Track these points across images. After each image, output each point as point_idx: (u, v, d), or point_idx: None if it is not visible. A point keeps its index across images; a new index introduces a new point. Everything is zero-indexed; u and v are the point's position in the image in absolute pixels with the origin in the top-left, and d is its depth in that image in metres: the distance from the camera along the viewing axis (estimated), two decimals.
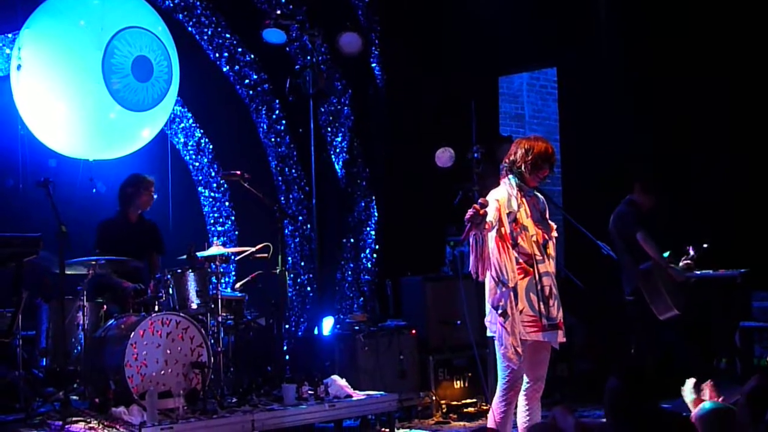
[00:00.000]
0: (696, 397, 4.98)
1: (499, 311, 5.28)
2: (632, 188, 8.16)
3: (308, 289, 9.53)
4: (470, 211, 5.15)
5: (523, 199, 5.47)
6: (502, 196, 5.43)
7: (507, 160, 5.56)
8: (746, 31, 9.13)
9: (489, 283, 5.37)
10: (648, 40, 9.77)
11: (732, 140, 9.29)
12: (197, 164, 9.06)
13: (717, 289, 9.02)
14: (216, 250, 7.36)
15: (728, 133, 9.29)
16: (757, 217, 9.26)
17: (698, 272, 8.39)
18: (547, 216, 5.62)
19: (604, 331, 9.25)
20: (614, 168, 9.44)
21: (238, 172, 7.77)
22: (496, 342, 5.34)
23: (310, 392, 7.34)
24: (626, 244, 7.91)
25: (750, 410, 4.31)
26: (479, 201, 5.25)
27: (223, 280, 7.52)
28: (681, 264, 7.94)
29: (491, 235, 5.33)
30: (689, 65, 9.48)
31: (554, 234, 5.56)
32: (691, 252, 7.93)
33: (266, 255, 7.61)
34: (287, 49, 9.28)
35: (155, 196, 7.91)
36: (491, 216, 5.26)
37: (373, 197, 9.93)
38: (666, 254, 7.94)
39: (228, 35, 9.15)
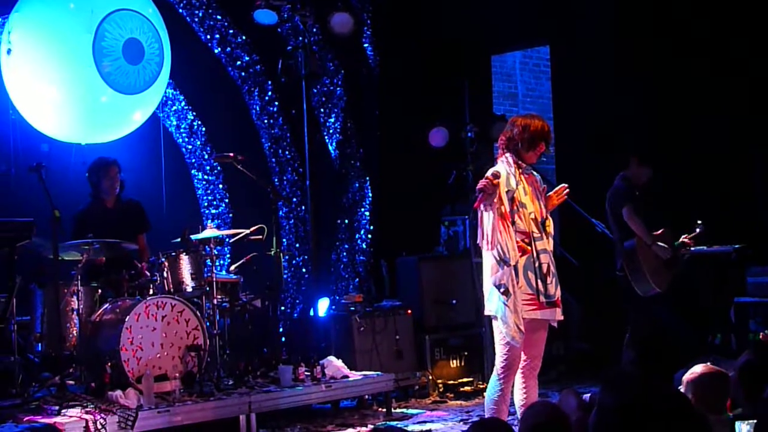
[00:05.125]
0: None
1: (502, 290, 5.25)
2: (627, 163, 8.07)
3: (303, 270, 9.51)
4: (483, 182, 5.14)
5: (522, 177, 5.44)
6: (501, 174, 5.39)
7: (504, 138, 5.53)
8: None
9: (490, 262, 5.35)
10: (641, 15, 9.72)
11: (727, 113, 9.25)
12: (190, 147, 9.03)
13: (711, 265, 9.02)
14: (210, 232, 7.33)
15: (723, 107, 9.24)
16: (752, 191, 9.25)
17: (692, 248, 8.36)
18: (545, 193, 5.60)
19: (599, 308, 9.24)
20: (608, 144, 9.42)
21: (232, 155, 7.74)
22: (498, 320, 5.31)
23: (306, 373, 7.35)
24: (616, 220, 7.85)
25: (742, 385, 4.29)
26: (492, 173, 5.23)
27: (217, 263, 7.51)
28: (681, 239, 7.89)
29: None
30: (683, 40, 9.44)
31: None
32: (698, 230, 7.86)
33: (261, 237, 7.59)
34: (279, 29, 9.23)
35: (120, 176, 7.65)
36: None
37: (368, 178, 9.90)
38: (659, 231, 7.90)
39: (219, 16, 9.10)
